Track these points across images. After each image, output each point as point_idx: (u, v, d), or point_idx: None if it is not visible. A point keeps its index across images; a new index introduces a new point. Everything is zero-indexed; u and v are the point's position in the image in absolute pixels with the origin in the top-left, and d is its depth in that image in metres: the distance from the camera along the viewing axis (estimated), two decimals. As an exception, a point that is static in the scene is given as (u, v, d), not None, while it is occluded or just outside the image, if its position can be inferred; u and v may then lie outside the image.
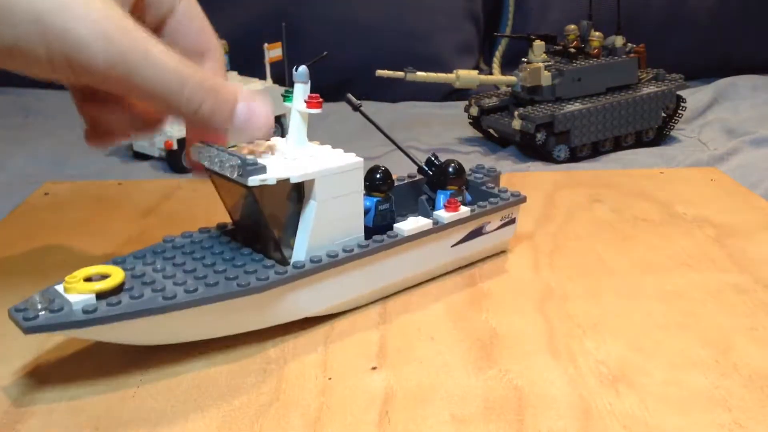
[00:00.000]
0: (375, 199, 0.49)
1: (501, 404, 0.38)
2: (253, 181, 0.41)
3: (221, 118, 0.40)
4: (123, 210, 0.65)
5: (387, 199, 0.49)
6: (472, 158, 0.83)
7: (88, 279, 0.40)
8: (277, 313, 0.44)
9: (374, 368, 0.41)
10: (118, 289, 0.40)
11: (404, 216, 0.51)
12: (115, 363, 0.42)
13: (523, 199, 0.53)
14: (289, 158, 0.44)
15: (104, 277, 0.40)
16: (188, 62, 0.39)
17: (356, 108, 0.50)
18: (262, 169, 0.41)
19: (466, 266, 0.53)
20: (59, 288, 0.39)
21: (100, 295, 0.39)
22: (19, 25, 0.35)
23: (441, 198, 0.51)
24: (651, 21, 1.12)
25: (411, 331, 0.45)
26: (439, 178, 0.51)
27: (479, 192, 0.54)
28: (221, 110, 0.40)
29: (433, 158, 0.53)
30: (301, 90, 0.45)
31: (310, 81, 0.45)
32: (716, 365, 0.41)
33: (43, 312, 0.38)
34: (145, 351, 0.43)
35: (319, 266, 0.43)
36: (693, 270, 0.52)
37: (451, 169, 0.51)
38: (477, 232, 0.52)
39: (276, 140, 0.47)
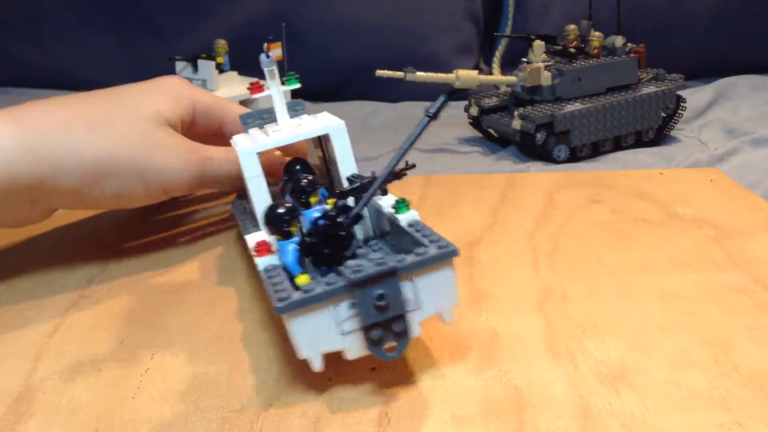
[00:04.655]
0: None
1: (501, 404, 0.38)
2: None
3: None
4: (123, 209, 0.65)
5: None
6: (472, 158, 0.83)
7: None
8: None
9: (374, 369, 0.41)
10: None
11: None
12: (115, 363, 0.42)
13: (283, 310, 0.34)
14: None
15: None
16: (227, 148, 0.54)
17: None
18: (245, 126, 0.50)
19: (466, 266, 0.53)
20: None
21: None
22: (124, 178, 0.49)
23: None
24: (651, 21, 1.12)
25: (411, 331, 0.45)
26: None
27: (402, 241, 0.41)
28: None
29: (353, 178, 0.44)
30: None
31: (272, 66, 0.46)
32: (716, 365, 0.41)
33: None
34: (145, 352, 0.43)
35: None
36: (693, 270, 0.52)
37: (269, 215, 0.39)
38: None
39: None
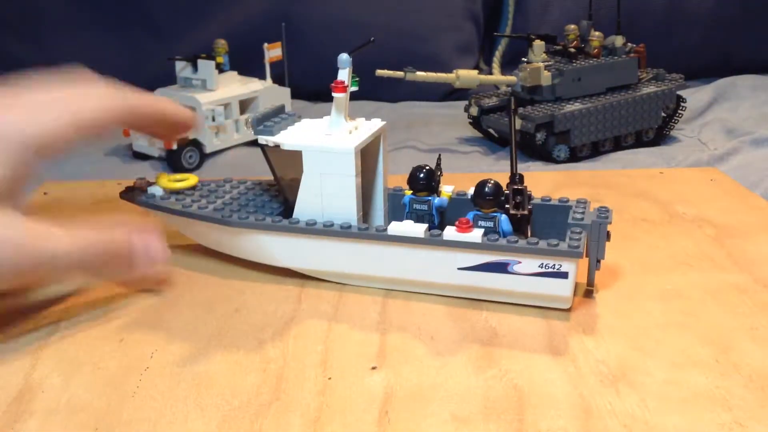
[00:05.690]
0: (410, 197, 0.50)
1: (501, 404, 0.38)
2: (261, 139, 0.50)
3: (122, 270, 0.47)
4: (122, 210, 0.65)
5: (424, 201, 0.50)
6: (472, 158, 0.83)
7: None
8: (262, 252, 0.51)
9: (374, 368, 0.41)
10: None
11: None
12: (115, 363, 0.42)
13: (578, 255, 0.44)
14: (317, 133, 0.50)
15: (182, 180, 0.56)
16: (78, 233, 0.44)
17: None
18: (269, 132, 0.50)
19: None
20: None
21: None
22: None
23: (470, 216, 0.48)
24: (651, 21, 1.12)
25: (411, 331, 0.45)
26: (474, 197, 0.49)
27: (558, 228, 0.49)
28: (120, 264, 0.46)
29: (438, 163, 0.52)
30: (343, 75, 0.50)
31: (351, 66, 0.51)
32: (716, 365, 0.41)
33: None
34: (145, 351, 0.43)
35: (296, 226, 0.49)
36: (693, 270, 0.52)
37: (487, 189, 0.48)
38: (497, 267, 0.47)
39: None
